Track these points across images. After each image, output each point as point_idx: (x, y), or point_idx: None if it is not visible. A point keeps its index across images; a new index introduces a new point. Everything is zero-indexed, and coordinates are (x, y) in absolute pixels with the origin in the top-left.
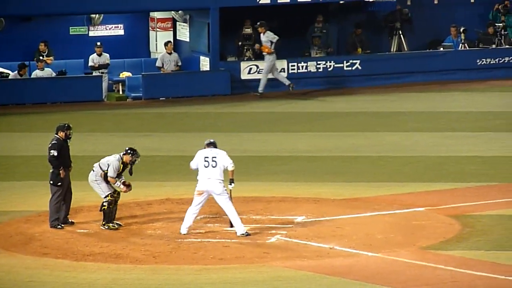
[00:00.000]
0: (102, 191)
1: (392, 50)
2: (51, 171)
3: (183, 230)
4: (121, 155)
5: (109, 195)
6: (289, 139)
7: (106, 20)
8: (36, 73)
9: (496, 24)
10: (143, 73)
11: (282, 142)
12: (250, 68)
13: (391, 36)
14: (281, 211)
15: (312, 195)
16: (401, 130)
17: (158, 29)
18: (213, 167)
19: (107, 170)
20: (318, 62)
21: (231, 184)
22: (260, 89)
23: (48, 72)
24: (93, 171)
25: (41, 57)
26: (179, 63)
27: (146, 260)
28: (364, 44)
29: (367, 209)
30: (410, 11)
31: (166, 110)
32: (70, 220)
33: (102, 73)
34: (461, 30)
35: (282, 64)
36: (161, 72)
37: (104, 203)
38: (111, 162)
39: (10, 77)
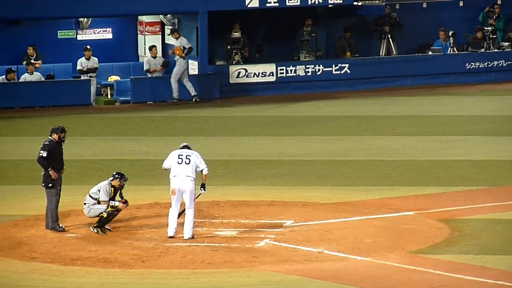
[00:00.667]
0: (100, 208)
1: (381, 54)
2: (42, 173)
3: (170, 232)
4: (110, 181)
5: (109, 207)
6: (278, 143)
7: (94, 24)
8: (25, 77)
9: (485, 28)
10: (131, 77)
11: (271, 146)
12: (239, 72)
13: (380, 40)
14: (270, 215)
15: (301, 199)
16: (390, 134)
17: (146, 33)
18: (186, 164)
19: (98, 197)
20: (307, 66)
21: (202, 189)
22: (175, 95)
23: (37, 76)
24: (85, 204)
25: (31, 61)
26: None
27: (135, 265)
28: (353, 48)
29: (356, 213)
30: (399, 15)
31: (155, 114)
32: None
33: (91, 77)
34: (450, 34)
35: (271, 68)
36: (148, 76)
37: (104, 212)
38: (102, 187)
39: None
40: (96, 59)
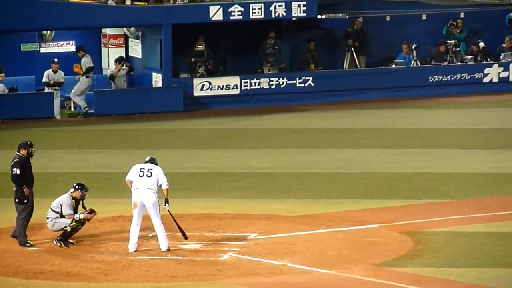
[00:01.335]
0: (65, 222)
1: (345, 67)
2: (14, 189)
3: (131, 248)
4: (70, 193)
5: (74, 221)
6: (242, 156)
7: (57, 37)
8: None
9: (448, 41)
10: (95, 89)
11: (235, 159)
12: (203, 85)
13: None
14: (234, 228)
15: (265, 212)
16: (353, 147)
17: (110, 46)
18: (148, 177)
19: (60, 211)
20: (271, 79)
21: (165, 205)
22: (84, 107)
23: (0, 88)
24: (48, 218)
25: None
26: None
27: (98, 278)
28: (317, 61)
29: (320, 226)
30: (363, 28)
31: (119, 126)
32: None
33: (55, 89)
34: (413, 47)
35: (235, 80)
36: (112, 87)
37: (67, 227)
38: (63, 201)
39: None
40: (62, 72)
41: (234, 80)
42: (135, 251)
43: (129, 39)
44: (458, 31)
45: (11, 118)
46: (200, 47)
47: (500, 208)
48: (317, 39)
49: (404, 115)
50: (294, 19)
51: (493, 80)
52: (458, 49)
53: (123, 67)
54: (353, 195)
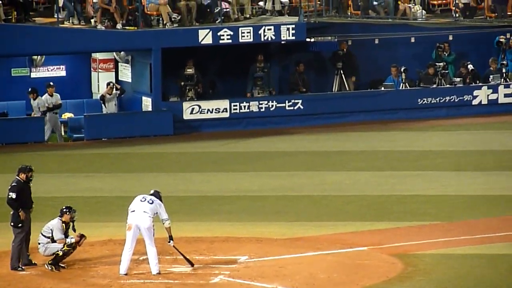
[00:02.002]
0: (56, 247)
1: (333, 89)
2: (11, 213)
3: (122, 270)
4: (60, 218)
5: (66, 246)
6: (232, 179)
7: (48, 62)
8: None
9: (437, 63)
10: (85, 114)
11: (225, 182)
12: (193, 108)
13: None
14: (224, 251)
15: (255, 235)
16: (343, 169)
17: (100, 70)
18: (149, 203)
19: (51, 236)
20: (260, 102)
21: (169, 242)
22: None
23: None
24: (39, 244)
25: None
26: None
27: None
28: (306, 84)
29: (310, 249)
30: (350, 51)
31: (109, 150)
32: (33, 262)
33: (55, 113)
34: (402, 69)
35: (225, 104)
36: (104, 111)
37: (59, 251)
38: (54, 226)
39: None
40: (58, 95)
41: (224, 104)
42: (126, 274)
43: (119, 63)
44: (446, 54)
45: (1, 143)
46: (190, 70)
47: (489, 230)
48: (306, 62)
49: (393, 137)
50: (283, 42)
51: (482, 102)
52: (447, 71)
53: (114, 89)
54: (343, 218)
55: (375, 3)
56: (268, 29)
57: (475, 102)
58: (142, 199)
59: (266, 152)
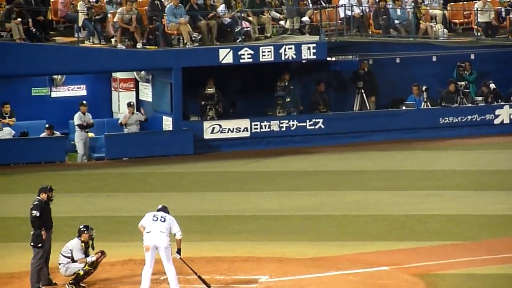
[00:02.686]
0: (78, 267)
1: (355, 109)
2: (32, 232)
3: None
4: (78, 238)
5: (87, 265)
6: (252, 198)
7: (68, 81)
8: None
9: (458, 82)
10: (106, 133)
11: (246, 202)
12: (213, 128)
13: (355, 95)
14: (245, 271)
15: (276, 255)
16: (364, 189)
17: (120, 90)
18: (162, 221)
19: (71, 256)
20: (281, 121)
21: (177, 254)
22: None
23: (7, 131)
24: (60, 264)
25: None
26: (142, 119)
27: None
28: (326, 103)
29: (331, 268)
30: (371, 70)
31: (129, 170)
32: (53, 281)
33: (86, 131)
34: (423, 88)
35: (245, 123)
36: (125, 131)
37: (80, 270)
38: (73, 246)
39: None
40: (90, 114)
41: (244, 123)
42: None
43: (140, 83)
44: (467, 73)
45: (22, 163)
46: (210, 90)
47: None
48: (326, 81)
49: (414, 156)
50: (304, 61)
51: (504, 121)
52: (468, 90)
53: (137, 113)
54: (364, 237)
55: (396, 22)
56: (289, 48)
57: (497, 121)
58: (154, 218)
59: (287, 172)
